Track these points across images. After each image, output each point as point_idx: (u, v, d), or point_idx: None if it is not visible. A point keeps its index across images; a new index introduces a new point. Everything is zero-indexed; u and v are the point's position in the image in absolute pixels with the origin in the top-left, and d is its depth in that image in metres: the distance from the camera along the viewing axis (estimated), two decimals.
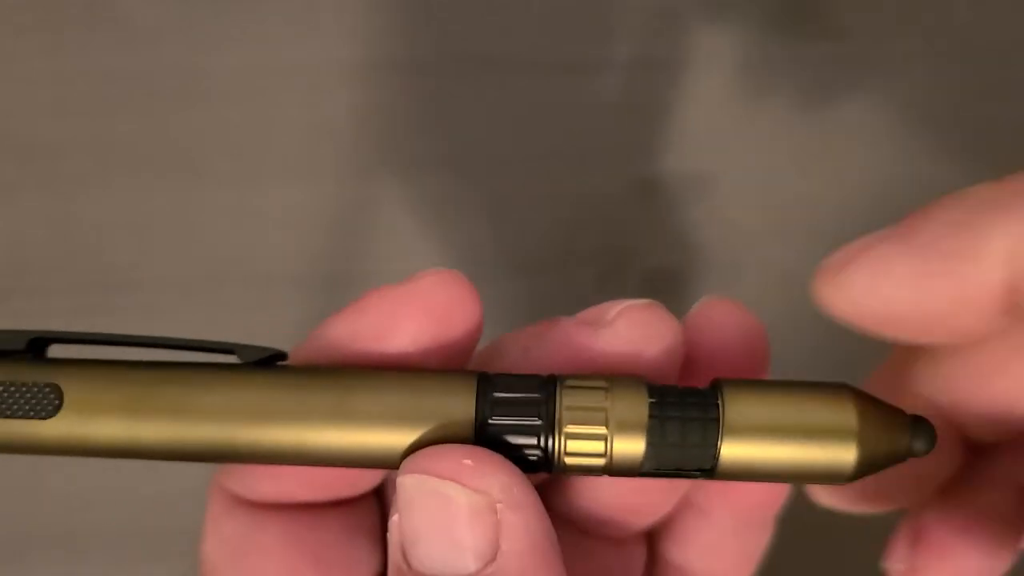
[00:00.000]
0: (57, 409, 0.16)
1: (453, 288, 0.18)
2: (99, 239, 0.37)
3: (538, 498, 0.16)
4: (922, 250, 0.17)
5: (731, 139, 0.37)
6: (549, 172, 0.37)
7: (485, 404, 0.16)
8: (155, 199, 0.37)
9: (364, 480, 0.19)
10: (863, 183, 0.37)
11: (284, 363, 0.17)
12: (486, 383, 0.16)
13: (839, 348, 0.37)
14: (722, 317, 0.19)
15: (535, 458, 0.16)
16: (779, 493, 0.21)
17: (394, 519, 0.16)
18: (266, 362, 0.17)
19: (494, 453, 0.16)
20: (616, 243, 0.37)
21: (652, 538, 0.22)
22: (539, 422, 0.16)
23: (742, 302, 0.21)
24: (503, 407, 0.16)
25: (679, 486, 0.20)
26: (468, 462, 0.16)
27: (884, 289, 0.18)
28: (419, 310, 0.18)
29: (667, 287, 0.37)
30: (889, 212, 0.40)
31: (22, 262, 0.37)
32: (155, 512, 0.36)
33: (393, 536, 0.16)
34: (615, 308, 0.18)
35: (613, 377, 0.16)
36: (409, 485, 0.16)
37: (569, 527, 0.21)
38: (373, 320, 0.18)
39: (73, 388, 0.16)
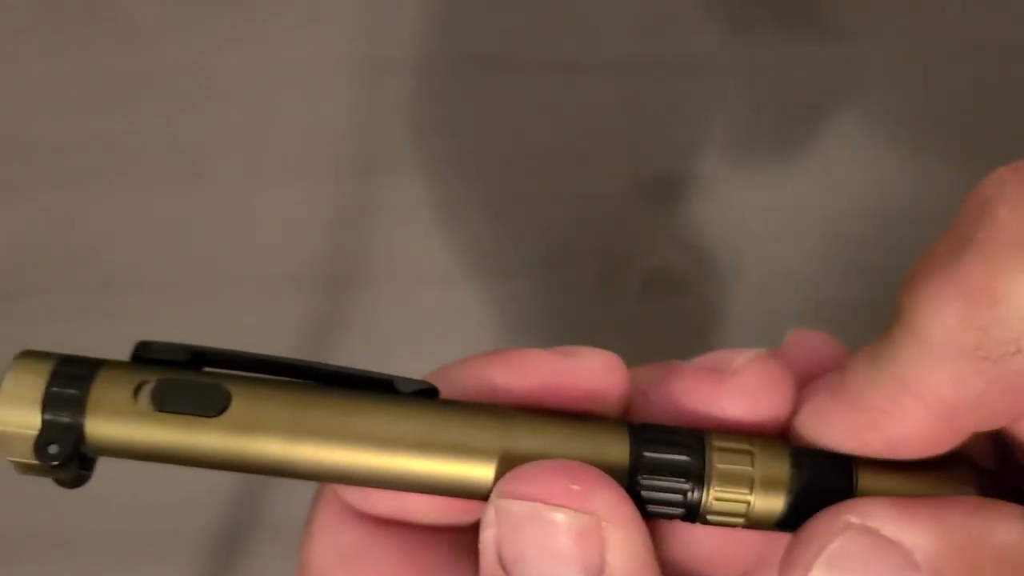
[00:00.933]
0: (223, 409, 0.16)
1: (616, 374, 0.18)
2: (99, 239, 0.37)
3: (639, 515, 0.17)
4: (849, 406, 0.18)
5: (731, 139, 0.37)
6: (549, 172, 0.37)
7: (639, 460, 0.17)
8: (155, 199, 0.37)
9: (479, 508, 0.19)
10: (863, 183, 0.37)
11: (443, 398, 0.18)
12: (638, 432, 0.17)
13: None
14: (817, 350, 0.19)
15: (678, 515, 0.17)
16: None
17: (488, 535, 0.17)
18: (424, 394, 0.17)
19: (599, 472, 0.16)
20: (616, 243, 0.37)
21: None
22: (687, 485, 0.17)
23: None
24: (654, 464, 0.17)
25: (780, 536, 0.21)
26: (576, 488, 0.16)
27: (825, 438, 0.18)
28: (574, 386, 0.18)
29: (667, 287, 0.37)
30: (889, 212, 0.40)
31: (22, 262, 0.37)
32: (156, 513, 0.36)
33: (487, 553, 0.17)
34: (739, 357, 0.18)
35: (756, 438, 0.17)
36: (511, 510, 0.17)
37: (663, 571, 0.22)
38: (530, 369, 0.18)
39: (240, 393, 0.16)
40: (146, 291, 0.36)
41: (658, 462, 0.17)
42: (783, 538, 0.20)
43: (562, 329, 0.37)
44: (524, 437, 0.17)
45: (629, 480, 0.17)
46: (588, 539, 0.16)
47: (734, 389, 0.18)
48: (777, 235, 0.37)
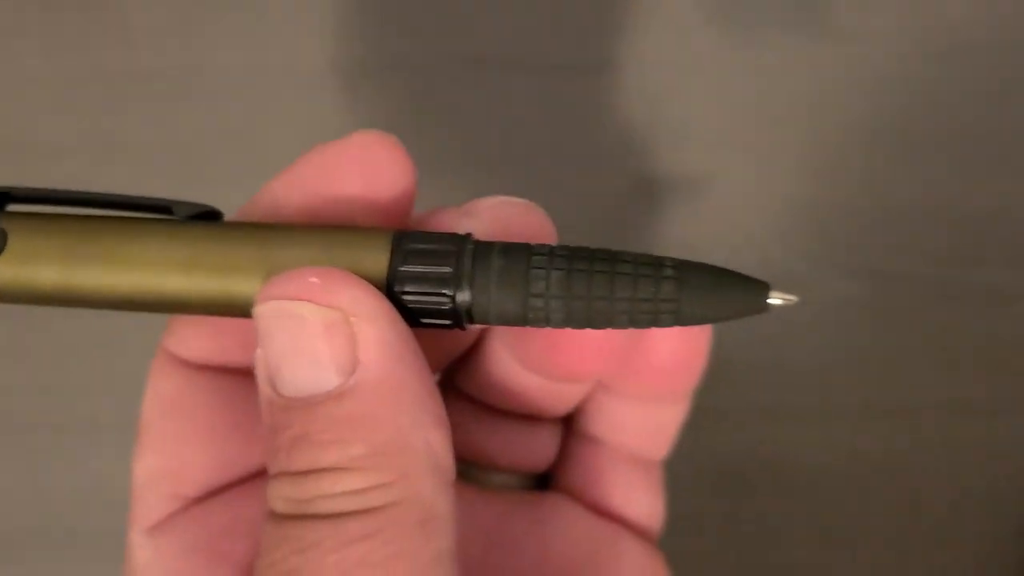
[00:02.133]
0: (2, 248, 0.17)
1: (386, 149, 0.19)
2: None
3: (392, 309, 0.17)
4: None
5: (731, 139, 0.37)
6: (549, 172, 0.37)
7: (399, 256, 0.17)
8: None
9: None
10: (863, 183, 0.37)
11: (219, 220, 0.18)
12: (403, 238, 0.17)
13: (839, 346, 0.37)
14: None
15: (447, 307, 0.17)
16: (690, 368, 0.21)
17: (258, 353, 0.17)
18: (200, 218, 0.18)
19: (342, 271, 0.17)
20: (615, 243, 0.37)
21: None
22: (448, 270, 0.17)
23: None
24: (416, 258, 0.17)
25: (591, 383, 0.21)
26: (315, 280, 0.16)
27: None
28: (351, 164, 0.19)
29: None
30: (889, 212, 0.40)
31: None
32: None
33: (259, 370, 0.17)
34: (490, 201, 0.19)
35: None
36: (264, 313, 0.17)
37: (479, 405, 0.22)
38: (302, 175, 0.19)
39: (17, 233, 0.18)
40: None
41: (418, 252, 0.17)
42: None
43: None
44: (285, 252, 0.17)
45: (390, 279, 0.17)
46: (336, 334, 0.16)
47: (472, 225, 0.18)
48: (777, 235, 0.37)
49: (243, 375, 0.20)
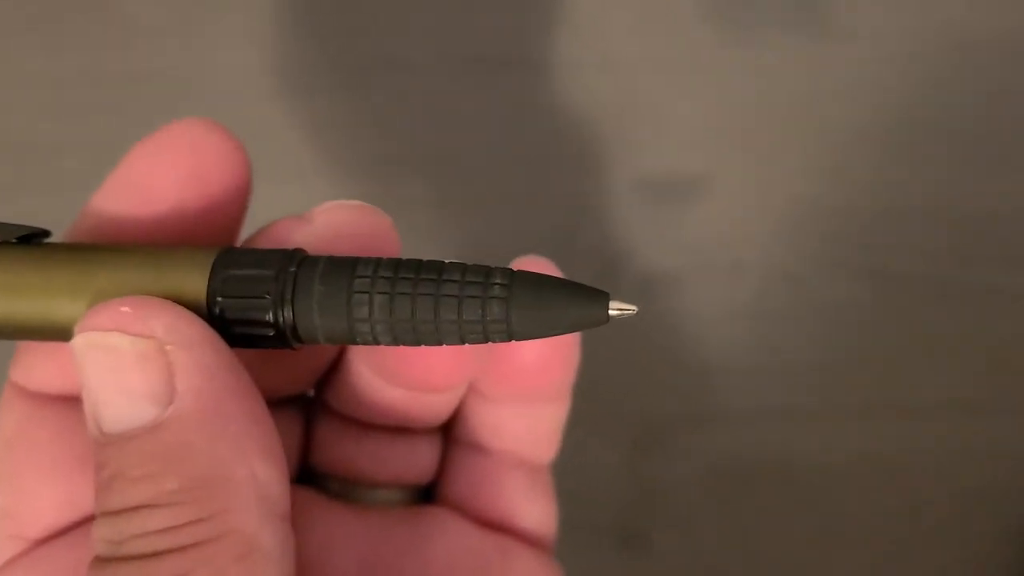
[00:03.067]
0: None
1: (209, 129, 0.18)
2: None
3: (214, 334, 0.16)
4: None
5: (731, 139, 0.37)
6: (549, 172, 0.37)
7: (218, 280, 0.16)
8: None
9: None
10: (863, 183, 0.37)
11: (46, 241, 0.18)
12: (224, 259, 0.16)
13: (840, 346, 0.37)
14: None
15: (271, 334, 0.16)
16: (560, 365, 0.20)
17: (83, 390, 0.16)
18: (25, 240, 0.18)
19: (155, 298, 0.16)
20: (614, 243, 0.37)
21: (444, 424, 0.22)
22: (267, 299, 0.16)
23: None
24: (236, 283, 0.16)
25: (459, 391, 0.20)
26: (125, 309, 0.16)
27: None
28: (174, 152, 0.18)
29: (666, 287, 0.37)
30: (889, 212, 0.40)
31: None
32: None
33: (85, 405, 0.16)
34: (325, 206, 0.18)
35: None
36: (79, 346, 0.16)
37: (351, 420, 0.21)
38: (129, 175, 0.18)
39: None
40: None
41: (237, 278, 0.16)
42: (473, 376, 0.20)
43: None
44: (105, 275, 0.16)
45: (210, 305, 0.16)
46: (149, 364, 0.15)
47: (307, 232, 0.18)
48: (777, 234, 0.37)
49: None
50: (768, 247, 0.37)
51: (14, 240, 0.18)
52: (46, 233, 0.18)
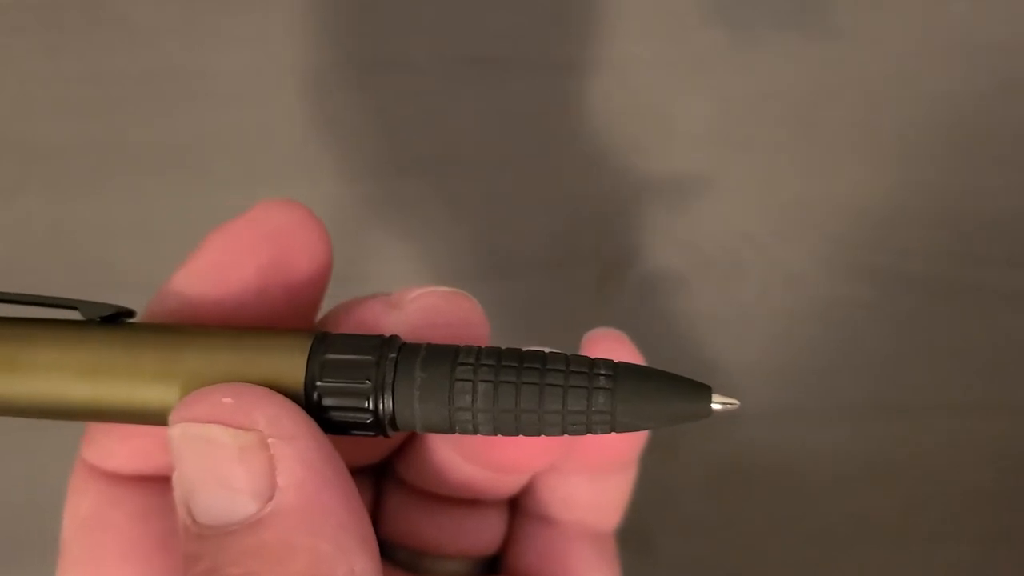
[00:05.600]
0: None
1: (292, 214, 0.18)
2: (99, 240, 0.37)
3: (315, 426, 0.15)
4: None
5: (731, 139, 0.37)
6: (549, 172, 0.37)
7: (316, 366, 0.16)
8: (156, 200, 0.37)
9: None
10: (863, 183, 0.37)
11: (131, 321, 0.17)
12: (321, 345, 0.16)
13: (840, 346, 0.37)
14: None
15: (368, 421, 0.16)
16: (632, 441, 0.20)
17: (175, 475, 0.16)
18: (110, 320, 0.17)
19: (257, 387, 0.15)
20: (616, 243, 0.37)
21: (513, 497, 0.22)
22: (367, 384, 0.16)
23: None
24: (335, 369, 0.16)
25: (533, 464, 0.20)
26: (228, 400, 0.15)
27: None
28: (256, 239, 0.17)
29: (666, 287, 0.37)
30: (889, 212, 0.40)
31: (22, 263, 0.37)
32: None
33: (176, 493, 0.16)
34: (416, 292, 0.18)
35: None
36: (176, 436, 0.15)
37: (421, 492, 0.21)
38: (211, 260, 0.18)
39: None
40: (146, 292, 0.36)
41: (337, 363, 0.16)
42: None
43: (562, 329, 0.37)
44: (195, 358, 0.16)
45: (308, 390, 0.16)
46: (251, 457, 0.15)
47: (397, 319, 0.17)
48: (777, 235, 0.37)
49: (166, 491, 0.18)
50: (768, 247, 0.37)
51: (98, 319, 0.17)
52: (131, 313, 0.18)
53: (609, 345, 0.19)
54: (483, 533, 0.22)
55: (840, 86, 0.37)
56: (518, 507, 0.22)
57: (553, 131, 0.37)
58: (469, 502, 0.21)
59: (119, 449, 0.18)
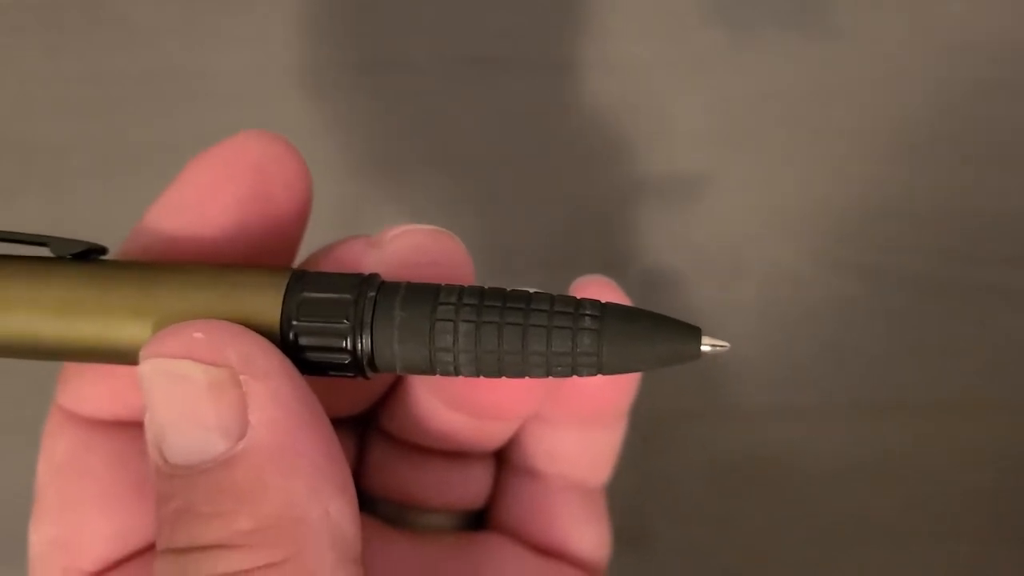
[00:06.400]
0: None
1: (273, 145, 0.17)
2: (99, 240, 0.37)
3: (289, 364, 0.15)
4: None
5: (730, 139, 0.37)
6: (549, 172, 0.37)
7: (293, 304, 0.15)
8: (155, 200, 0.37)
9: None
10: (863, 182, 0.37)
11: (102, 258, 0.17)
12: (298, 282, 0.16)
13: (839, 345, 0.37)
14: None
15: (346, 361, 0.15)
16: (622, 388, 0.20)
17: (147, 416, 0.15)
18: (82, 256, 0.17)
19: (230, 324, 0.15)
20: (615, 243, 0.37)
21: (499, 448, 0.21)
22: (345, 324, 0.15)
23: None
24: (311, 308, 0.15)
25: (518, 414, 0.20)
26: (198, 335, 0.15)
27: None
28: (236, 169, 0.17)
29: (666, 287, 0.37)
30: (889, 211, 0.40)
31: None
32: None
33: (148, 433, 0.15)
34: (398, 230, 0.18)
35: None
36: (146, 372, 0.15)
37: (405, 444, 0.21)
38: (190, 190, 0.17)
39: None
40: None
41: (314, 301, 0.15)
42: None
43: None
44: (169, 294, 0.16)
45: (284, 329, 0.15)
46: (222, 394, 0.14)
47: (378, 257, 0.17)
48: (777, 235, 0.37)
49: (141, 436, 0.18)
50: (768, 247, 0.37)
51: (69, 256, 0.17)
52: (103, 250, 0.17)
53: (597, 289, 0.18)
54: (469, 486, 0.21)
55: (840, 86, 0.37)
56: (505, 460, 0.22)
57: (553, 131, 0.37)
58: (454, 455, 0.21)
59: (93, 392, 0.18)
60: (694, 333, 0.16)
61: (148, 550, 0.18)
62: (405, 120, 0.37)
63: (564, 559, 0.21)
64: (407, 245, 0.17)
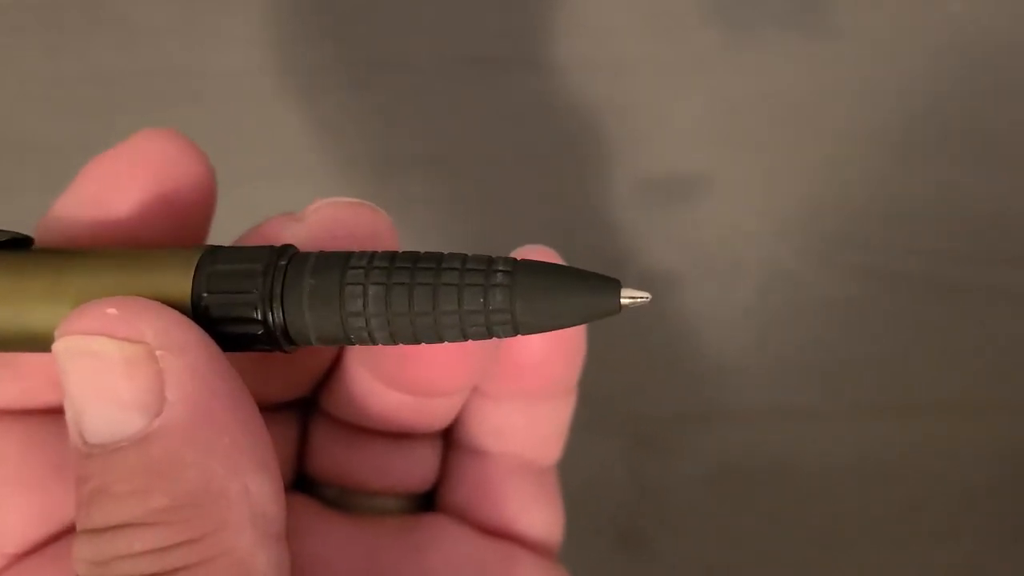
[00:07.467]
0: None
1: (171, 142, 0.18)
2: None
3: (207, 338, 0.15)
4: None
5: (731, 139, 0.37)
6: (549, 172, 0.37)
7: (202, 279, 0.15)
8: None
9: None
10: (863, 183, 0.37)
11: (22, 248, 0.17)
12: (209, 257, 0.16)
13: (840, 346, 0.37)
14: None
15: (259, 332, 0.15)
16: (566, 359, 0.19)
17: (65, 398, 0.15)
18: (6, 246, 0.17)
19: (144, 299, 0.15)
20: (615, 243, 0.37)
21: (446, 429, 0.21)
22: (254, 294, 0.15)
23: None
24: (220, 280, 0.15)
25: (462, 395, 0.19)
26: (112, 311, 0.15)
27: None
28: (134, 168, 0.17)
29: (666, 287, 0.37)
30: (889, 212, 0.40)
31: None
32: None
33: (67, 413, 0.15)
34: (318, 203, 0.18)
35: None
36: (61, 351, 0.15)
37: (348, 426, 0.20)
38: (93, 187, 0.17)
39: None
40: None
41: (223, 273, 0.15)
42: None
43: None
44: (82, 279, 0.16)
45: (196, 303, 0.15)
46: (138, 371, 0.14)
47: (297, 230, 0.17)
48: (777, 235, 0.37)
49: (57, 416, 0.18)
50: (768, 247, 0.37)
51: None
52: (29, 240, 0.17)
53: (538, 256, 0.18)
54: (415, 468, 0.21)
55: (840, 86, 0.37)
56: (452, 441, 0.21)
57: (553, 131, 0.37)
58: (399, 436, 0.20)
59: (8, 388, 0.18)
60: (612, 285, 0.15)
61: (72, 531, 0.18)
62: (405, 120, 0.37)
63: (514, 540, 0.21)
64: (326, 217, 0.17)
